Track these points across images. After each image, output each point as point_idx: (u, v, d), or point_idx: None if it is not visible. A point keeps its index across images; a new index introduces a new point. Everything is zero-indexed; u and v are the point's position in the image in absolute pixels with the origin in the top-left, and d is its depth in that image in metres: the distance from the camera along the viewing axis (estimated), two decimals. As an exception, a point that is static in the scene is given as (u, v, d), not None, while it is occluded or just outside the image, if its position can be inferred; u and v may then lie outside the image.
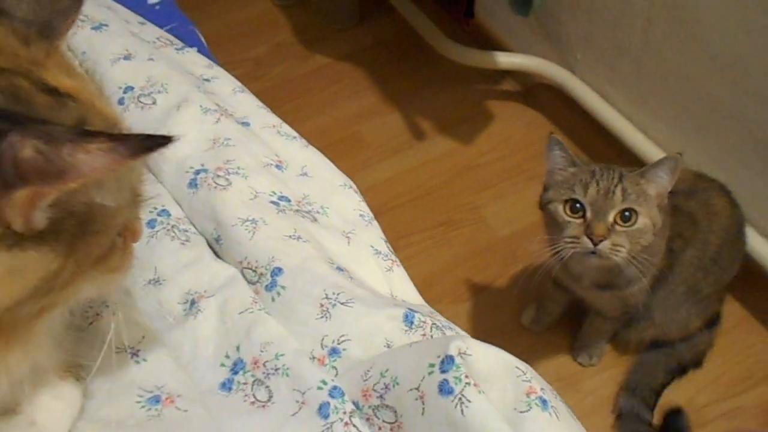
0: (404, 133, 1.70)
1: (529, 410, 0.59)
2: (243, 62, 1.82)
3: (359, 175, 1.52)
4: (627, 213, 0.97)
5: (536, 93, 1.74)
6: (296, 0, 1.96)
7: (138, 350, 0.66)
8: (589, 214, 0.98)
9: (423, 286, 0.85)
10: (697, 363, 1.30)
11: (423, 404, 0.60)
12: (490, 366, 0.61)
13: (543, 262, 1.22)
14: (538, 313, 1.36)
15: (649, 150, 1.43)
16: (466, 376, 0.59)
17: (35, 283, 0.43)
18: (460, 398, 0.58)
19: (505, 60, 1.63)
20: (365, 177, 1.56)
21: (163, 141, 0.40)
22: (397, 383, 0.63)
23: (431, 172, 1.62)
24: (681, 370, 1.29)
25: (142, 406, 0.62)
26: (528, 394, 0.60)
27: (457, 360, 0.60)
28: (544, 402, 0.60)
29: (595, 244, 0.97)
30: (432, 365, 0.61)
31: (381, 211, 1.48)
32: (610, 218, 0.97)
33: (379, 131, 1.70)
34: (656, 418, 1.23)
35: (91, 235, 0.46)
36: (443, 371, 0.60)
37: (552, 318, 1.35)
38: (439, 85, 1.80)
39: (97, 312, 0.66)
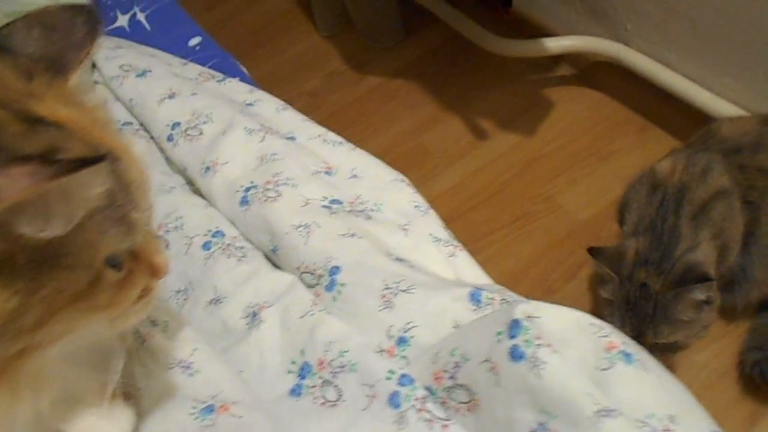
0: (466, 136, 1.69)
1: (612, 366, 0.55)
2: (299, 97, 1.84)
3: (429, 184, 1.55)
4: None
5: (593, 72, 1.71)
6: (341, 28, 1.99)
7: (191, 363, 0.65)
8: None
9: (510, 284, 0.81)
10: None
11: (496, 375, 0.57)
12: (563, 326, 0.57)
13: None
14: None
15: (719, 106, 1.38)
16: (537, 338, 0.55)
17: None
18: (533, 361, 0.55)
19: (554, 45, 1.60)
20: (435, 185, 1.57)
21: (89, 161, 0.38)
22: (467, 359, 0.60)
23: (499, 170, 1.60)
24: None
25: (195, 418, 0.62)
26: (608, 350, 0.56)
27: (525, 323, 0.56)
28: (627, 355, 0.56)
29: None
30: (500, 333, 0.58)
31: (456, 216, 1.50)
32: None
33: (441, 139, 1.69)
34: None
35: (58, 270, 0.42)
36: (512, 336, 0.56)
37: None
38: (492, 82, 1.79)
39: (148, 332, 0.66)
